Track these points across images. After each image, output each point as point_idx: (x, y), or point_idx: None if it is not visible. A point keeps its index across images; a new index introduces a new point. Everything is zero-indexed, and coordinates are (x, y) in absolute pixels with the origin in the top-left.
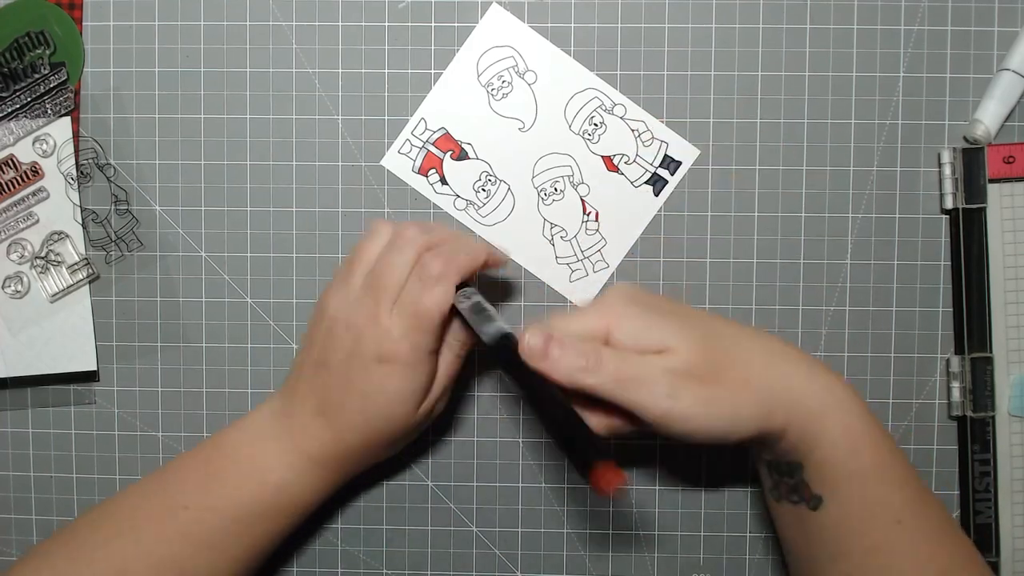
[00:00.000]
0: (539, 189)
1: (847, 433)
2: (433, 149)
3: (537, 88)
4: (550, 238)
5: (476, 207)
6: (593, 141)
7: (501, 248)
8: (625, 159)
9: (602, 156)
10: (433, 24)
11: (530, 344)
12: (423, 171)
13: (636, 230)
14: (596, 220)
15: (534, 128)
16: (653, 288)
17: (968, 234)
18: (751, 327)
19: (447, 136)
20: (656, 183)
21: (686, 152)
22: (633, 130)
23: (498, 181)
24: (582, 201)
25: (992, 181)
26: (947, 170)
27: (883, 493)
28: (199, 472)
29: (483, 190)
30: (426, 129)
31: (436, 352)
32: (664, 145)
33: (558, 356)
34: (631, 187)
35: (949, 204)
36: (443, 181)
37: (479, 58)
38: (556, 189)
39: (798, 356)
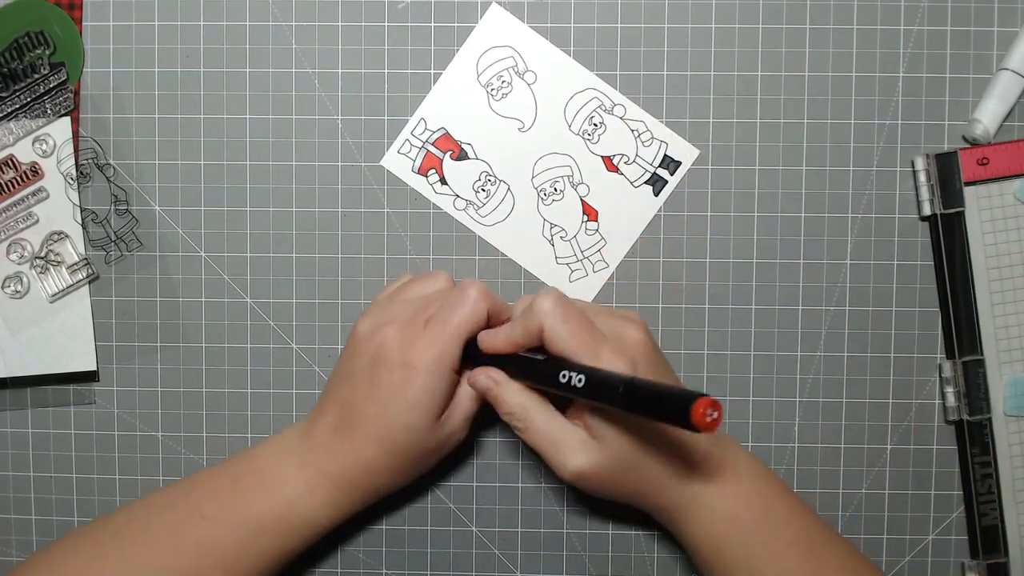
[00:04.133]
0: (539, 189)
1: (709, 531)
2: (433, 149)
3: (537, 88)
4: (550, 238)
5: (476, 207)
6: (593, 141)
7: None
8: (625, 159)
9: (602, 156)
10: (433, 24)
11: (479, 383)
12: (423, 171)
13: (636, 230)
14: (596, 220)
15: (534, 128)
16: (653, 289)
17: (949, 238)
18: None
19: (447, 136)
20: (656, 183)
21: (686, 152)
22: (633, 130)
23: (498, 181)
24: (582, 201)
25: (968, 184)
26: (922, 177)
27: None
28: (221, 483)
29: (483, 190)
30: (426, 129)
31: (458, 373)
32: (664, 145)
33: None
34: (631, 187)
35: (927, 211)
36: (443, 181)
37: (479, 58)
38: (556, 189)
39: (691, 459)
